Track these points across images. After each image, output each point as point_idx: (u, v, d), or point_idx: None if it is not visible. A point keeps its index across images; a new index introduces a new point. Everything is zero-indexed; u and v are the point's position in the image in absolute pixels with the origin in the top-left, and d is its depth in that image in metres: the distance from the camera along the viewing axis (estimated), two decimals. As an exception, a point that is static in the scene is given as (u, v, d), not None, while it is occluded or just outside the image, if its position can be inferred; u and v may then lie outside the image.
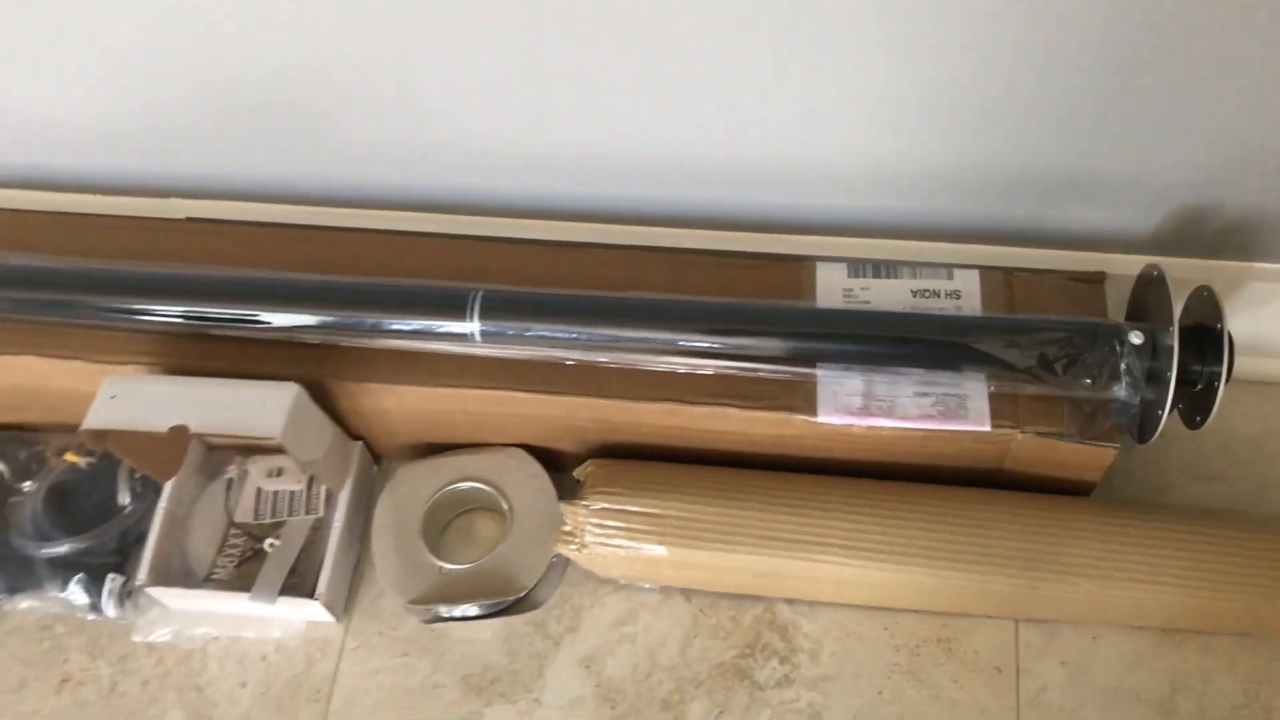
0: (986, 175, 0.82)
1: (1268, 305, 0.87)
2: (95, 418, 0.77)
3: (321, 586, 0.84)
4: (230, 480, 0.91)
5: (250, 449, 0.92)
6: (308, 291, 0.83)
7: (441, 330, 0.82)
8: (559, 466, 0.90)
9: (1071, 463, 0.81)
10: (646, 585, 0.88)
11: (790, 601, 0.88)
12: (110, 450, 0.79)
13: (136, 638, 0.87)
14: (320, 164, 0.88)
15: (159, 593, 0.85)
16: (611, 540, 0.83)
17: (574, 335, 0.81)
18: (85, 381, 0.86)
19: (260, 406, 0.77)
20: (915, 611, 0.87)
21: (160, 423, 0.77)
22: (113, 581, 0.87)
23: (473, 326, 0.80)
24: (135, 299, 0.83)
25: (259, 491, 0.91)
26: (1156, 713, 0.82)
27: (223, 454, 0.92)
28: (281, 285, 0.83)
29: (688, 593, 0.88)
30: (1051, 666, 0.84)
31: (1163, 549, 0.80)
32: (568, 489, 0.87)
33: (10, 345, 0.85)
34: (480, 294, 0.81)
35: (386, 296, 0.83)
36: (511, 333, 0.81)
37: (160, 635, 0.87)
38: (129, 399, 0.78)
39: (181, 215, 0.92)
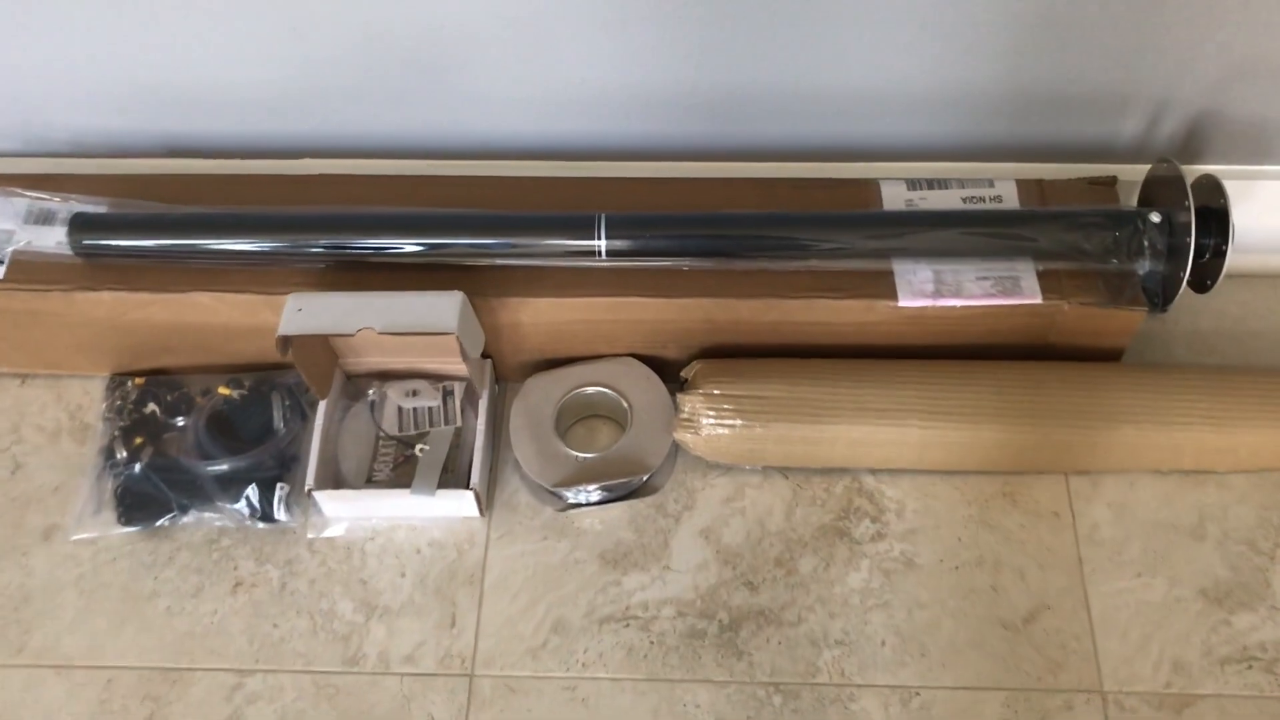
0: (1020, 95, 0.98)
1: (1244, 203, 1.05)
2: (287, 325, 0.89)
3: (475, 478, 0.96)
4: (372, 402, 1.02)
5: (386, 374, 1.03)
6: (456, 220, 0.96)
7: (572, 247, 0.95)
8: (663, 375, 1.03)
9: (1106, 330, 0.97)
10: (748, 467, 1.02)
11: (874, 472, 1.02)
12: (291, 359, 0.90)
13: (310, 534, 0.98)
14: (448, 117, 1.01)
15: (326, 495, 0.96)
16: (725, 421, 0.96)
17: (686, 243, 0.95)
18: (249, 314, 0.97)
19: (432, 309, 0.89)
20: (981, 473, 1.01)
21: (346, 327, 0.89)
22: (282, 489, 0.98)
23: (599, 243, 0.94)
24: (295, 235, 0.95)
25: (399, 409, 1.02)
26: (1190, 537, 0.98)
27: (363, 380, 1.03)
28: (429, 216, 0.96)
29: (785, 471, 1.02)
30: (1099, 509, 0.99)
31: (1189, 394, 0.96)
32: (675, 391, 1.01)
33: (178, 284, 0.96)
34: (604, 216, 0.95)
35: (524, 221, 0.96)
36: (632, 245, 0.95)
37: (332, 531, 0.97)
38: (313, 310, 0.89)
39: (315, 173, 1.04)
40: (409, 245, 0.95)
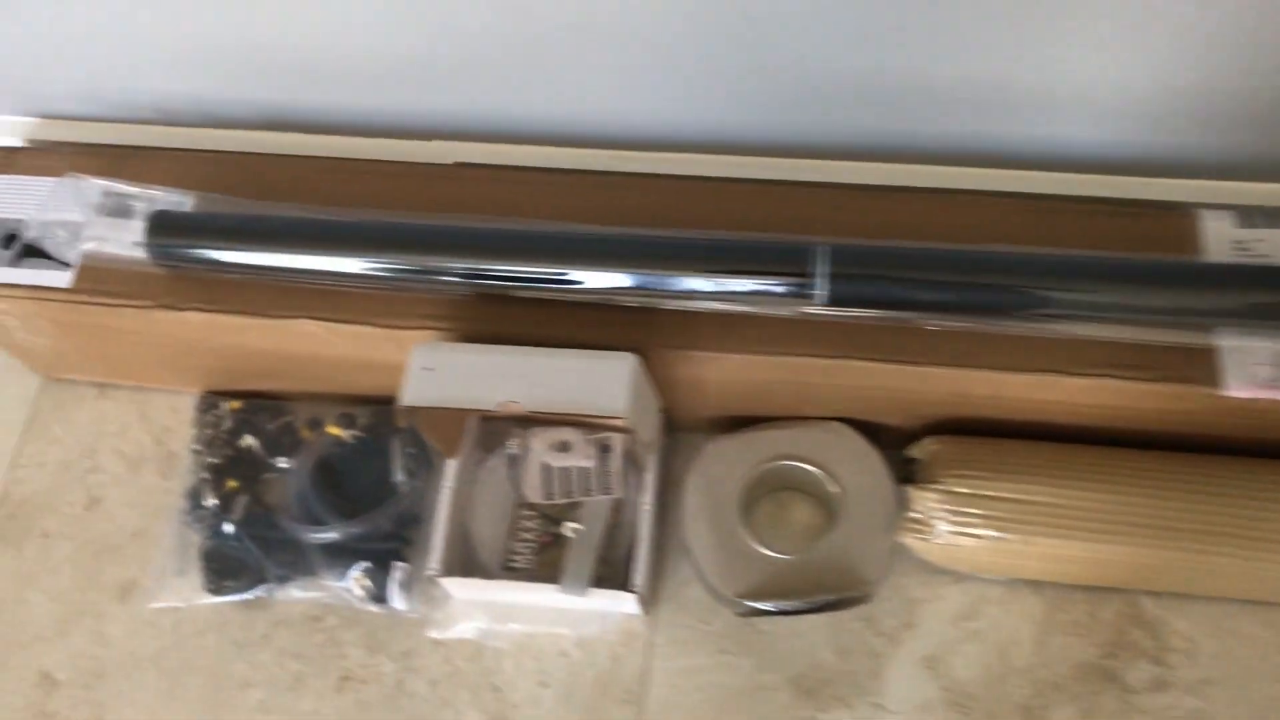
0: None
1: None
2: (415, 392, 0.68)
3: (638, 578, 0.75)
4: (513, 456, 0.81)
5: (530, 418, 0.82)
6: (627, 246, 0.73)
7: (780, 290, 0.71)
8: (873, 441, 0.80)
9: None
10: (988, 576, 0.78)
11: (1154, 595, 0.77)
12: (418, 427, 0.70)
13: (433, 633, 0.78)
14: (625, 95, 0.77)
15: (454, 584, 0.77)
16: (969, 530, 0.73)
17: (937, 296, 0.70)
18: (368, 348, 0.77)
19: (595, 380, 0.68)
20: (1297, 605, 0.76)
21: (486, 399, 0.67)
22: (400, 571, 0.78)
23: (819, 286, 0.70)
24: (426, 256, 0.73)
25: (546, 468, 0.81)
26: None
27: (500, 425, 0.82)
28: (597, 239, 0.74)
29: (1036, 585, 0.78)
30: None
31: None
32: (892, 468, 0.78)
33: (280, 307, 0.76)
34: (828, 249, 0.70)
35: (716, 252, 0.73)
36: (864, 293, 0.71)
37: (461, 631, 0.78)
38: (446, 372, 0.68)
39: (449, 160, 0.82)
40: (574, 275, 0.72)
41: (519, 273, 0.73)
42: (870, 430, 0.80)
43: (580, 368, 0.68)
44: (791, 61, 0.71)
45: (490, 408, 0.67)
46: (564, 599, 0.76)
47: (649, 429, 0.72)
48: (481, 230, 0.74)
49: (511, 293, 0.74)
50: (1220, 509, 0.71)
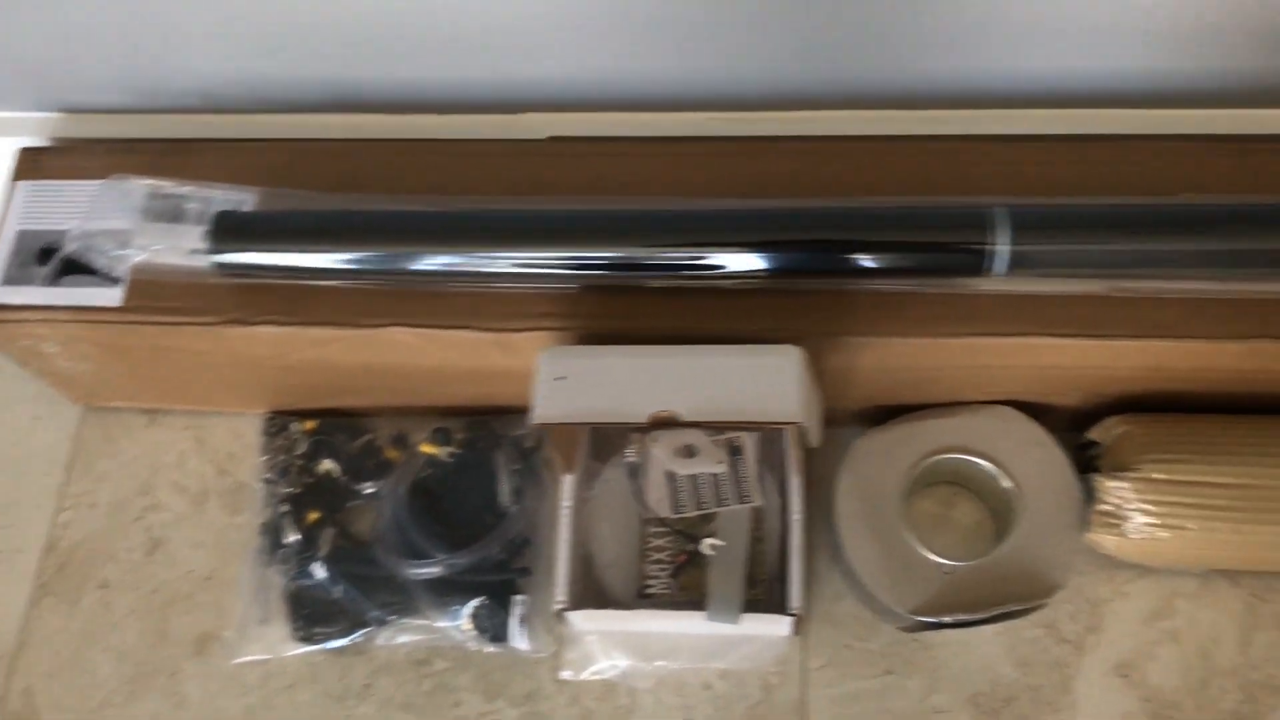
0: None
1: None
2: (548, 406, 0.58)
3: (795, 598, 0.66)
4: (632, 465, 0.72)
5: (721, 426, 0.72)
6: (771, 222, 0.64)
7: (951, 263, 0.62)
8: (1044, 421, 0.71)
9: None
10: (1178, 569, 0.70)
11: (1368, 577, 0.69)
12: (547, 443, 0.60)
13: (566, 674, 0.69)
14: (730, 48, 0.67)
15: (585, 617, 0.67)
16: (1173, 521, 0.64)
17: (1137, 257, 0.61)
18: (471, 356, 0.68)
19: (759, 378, 0.58)
20: None
21: (634, 410, 0.58)
22: (521, 606, 0.69)
23: (1001, 255, 0.60)
24: (530, 245, 0.64)
25: (672, 477, 0.72)
26: None
27: (616, 432, 0.73)
28: (737, 216, 0.64)
29: (1232, 575, 0.70)
30: None
31: None
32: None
33: (366, 314, 0.66)
34: (1007, 212, 0.61)
35: (876, 223, 0.63)
36: (1052, 259, 0.61)
37: (598, 671, 0.68)
38: (581, 380, 0.59)
39: (542, 134, 0.72)
40: (713, 258, 0.63)
41: (652, 259, 0.63)
42: (1037, 412, 0.71)
43: (739, 366, 0.59)
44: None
45: (642, 420, 0.57)
46: (712, 626, 0.66)
47: (816, 429, 0.63)
48: (604, 213, 0.65)
49: (640, 283, 0.64)
50: None
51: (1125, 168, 0.66)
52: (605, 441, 0.73)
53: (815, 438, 0.63)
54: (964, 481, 0.71)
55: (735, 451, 0.72)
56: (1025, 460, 0.69)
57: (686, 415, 0.58)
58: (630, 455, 0.72)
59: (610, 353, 0.61)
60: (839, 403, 0.72)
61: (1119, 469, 0.66)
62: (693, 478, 0.72)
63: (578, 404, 0.59)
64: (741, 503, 0.71)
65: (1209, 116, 0.67)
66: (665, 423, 0.59)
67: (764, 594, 0.68)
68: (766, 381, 0.58)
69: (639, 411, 0.58)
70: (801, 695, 0.69)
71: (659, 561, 0.70)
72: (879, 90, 0.71)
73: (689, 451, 0.72)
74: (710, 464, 0.71)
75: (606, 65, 0.71)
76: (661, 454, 0.72)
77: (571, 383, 0.59)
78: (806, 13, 0.65)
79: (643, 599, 0.69)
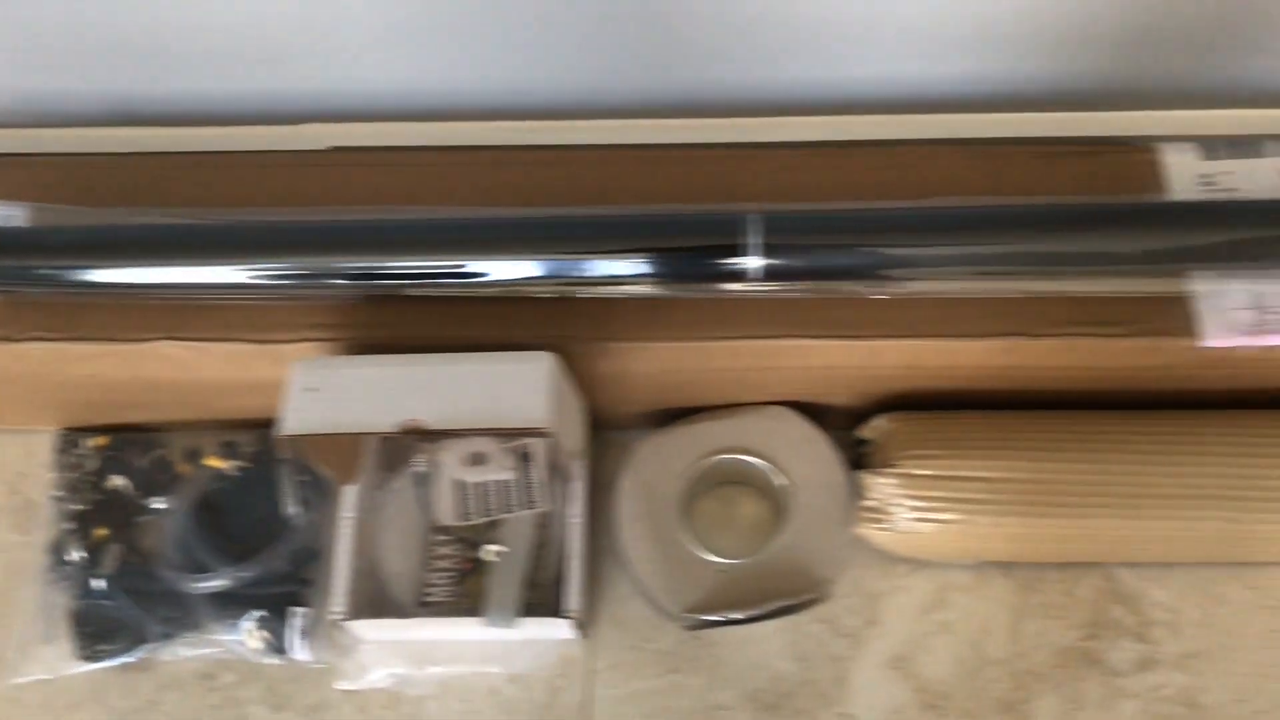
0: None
1: None
2: (296, 420, 0.58)
3: (571, 600, 0.67)
4: (420, 474, 0.72)
5: (438, 433, 0.73)
6: (532, 229, 0.64)
7: (710, 268, 0.63)
8: (819, 424, 0.73)
9: None
10: (954, 562, 0.71)
11: (1132, 565, 0.71)
12: (305, 456, 0.60)
13: (343, 685, 0.69)
14: (514, 59, 0.68)
15: (365, 626, 0.67)
16: (933, 515, 0.66)
17: (886, 260, 0.63)
18: (240, 369, 0.67)
19: (509, 385, 0.59)
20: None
21: (383, 419, 0.58)
22: (300, 617, 0.69)
23: (753, 260, 0.62)
24: (307, 256, 0.64)
25: (459, 485, 0.72)
26: None
27: (404, 442, 0.73)
28: (497, 224, 0.65)
29: (1006, 566, 0.72)
30: None
31: None
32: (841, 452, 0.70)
33: (133, 329, 0.66)
34: (760, 217, 0.62)
35: (633, 229, 0.64)
36: (804, 264, 0.63)
37: (374, 681, 0.68)
38: (332, 391, 0.59)
39: (323, 145, 0.72)
40: (473, 266, 0.63)
41: (410, 268, 0.64)
42: (817, 412, 0.73)
43: (490, 373, 0.59)
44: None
45: (390, 429, 0.58)
46: (490, 632, 0.67)
47: (573, 434, 0.64)
48: (363, 223, 0.65)
49: (404, 292, 0.65)
50: (1201, 470, 0.66)
51: (887, 172, 0.68)
52: (396, 453, 0.73)
53: (572, 443, 0.63)
54: (743, 480, 0.72)
55: (526, 458, 0.73)
56: (799, 458, 0.70)
57: (434, 423, 0.58)
58: (419, 465, 0.73)
59: (363, 362, 0.61)
60: (622, 407, 0.73)
61: (884, 465, 0.67)
62: (481, 485, 0.72)
63: (326, 415, 0.59)
64: (529, 509, 0.71)
65: (959, 120, 0.69)
66: (413, 432, 0.59)
67: (544, 598, 0.69)
68: (517, 388, 0.59)
69: (387, 421, 0.58)
70: (586, 697, 0.70)
71: (443, 570, 0.71)
72: (662, 99, 0.72)
73: (479, 459, 0.72)
74: (499, 471, 0.72)
75: (390, 75, 0.72)
76: (450, 462, 0.72)
77: (322, 394, 0.59)
78: (585, 24, 0.66)
79: (423, 606, 0.69)
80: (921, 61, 0.68)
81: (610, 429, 0.76)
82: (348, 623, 0.67)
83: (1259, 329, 0.63)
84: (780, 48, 0.68)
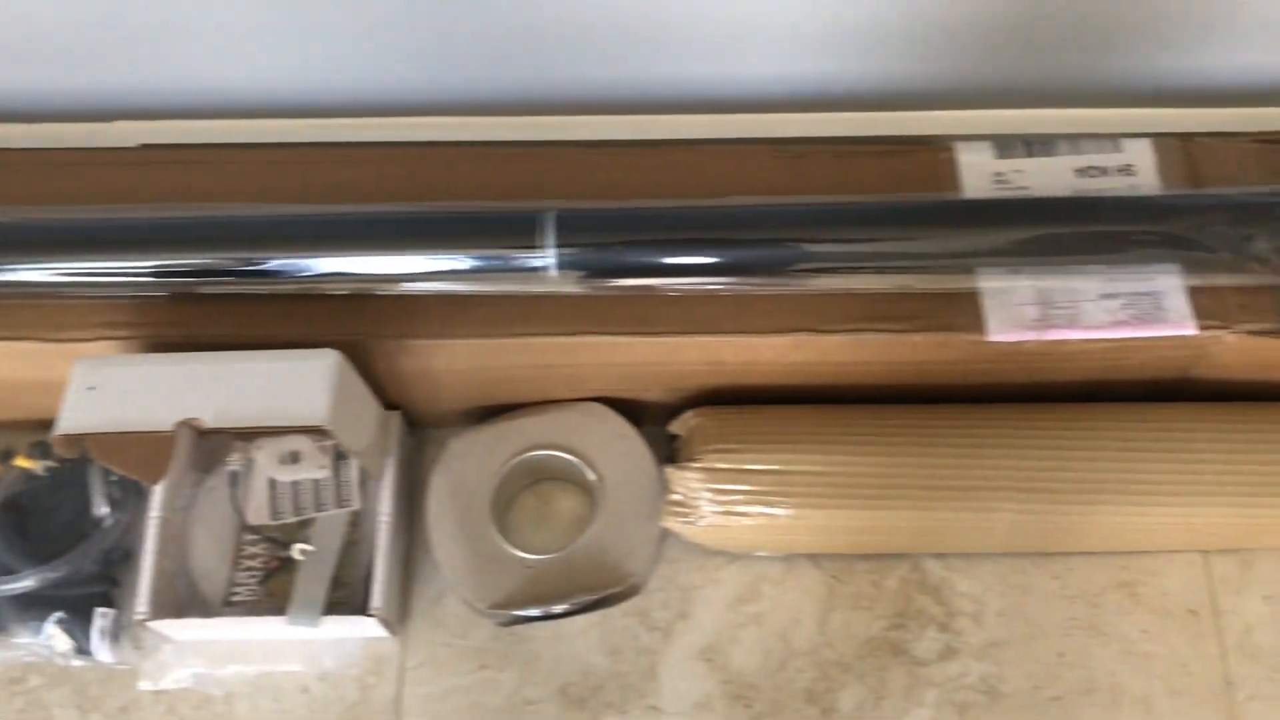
0: (1149, 12, 0.66)
1: None
2: (72, 418, 0.58)
3: (376, 599, 0.67)
4: (234, 473, 0.72)
5: (255, 432, 0.72)
6: (328, 226, 0.65)
7: (506, 265, 0.64)
8: (638, 420, 0.74)
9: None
10: (765, 554, 0.72)
11: (940, 556, 0.73)
12: (92, 455, 0.60)
13: (144, 685, 0.69)
14: (326, 56, 0.68)
15: (166, 626, 0.67)
16: (736, 509, 0.67)
17: (677, 259, 0.63)
18: (36, 368, 0.66)
19: (291, 384, 0.59)
20: (1086, 553, 0.72)
21: (161, 418, 0.58)
22: (103, 618, 0.68)
23: (548, 257, 0.62)
24: (98, 253, 0.64)
25: (273, 484, 0.72)
26: (1382, 644, 0.70)
27: (219, 440, 0.72)
28: (292, 222, 0.64)
29: (815, 557, 0.73)
30: (1254, 602, 0.72)
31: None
32: (657, 447, 0.71)
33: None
34: (554, 215, 0.63)
35: (432, 226, 0.65)
36: (598, 262, 0.63)
37: (176, 680, 0.68)
38: (112, 389, 0.59)
39: (134, 143, 0.71)
40: (271, 264, 0.63)
41: (205, 265, 0.64)
42: (635, 408, 0.73)
43: (274, 370, 0.59)
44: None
45: (167, 427, 0.57)
46: (294, 631, 0.67)
47: (362, 432, 0.64)
48: (156, 220, 0.65)
49: (202, 290, 0.65)
50: (995, 462, 0.67)
51: (691, 171, 0.69)
52: (212, 451, 0.73)
53: (357, 441, 0.63)
54: (560, 476, 0.73)
55: (342, 457, 0.73)
56: (610, 454, 0.71)
57: (213, 421, 0.58)
58: (234, 463, 0.72)
59: (146, 360, 0.61)
60: (438, 404, 0.73)
61: (689, 460, 0.68)
62: (295, 484, 0.72)
63: (103, 414, 0.58)
64: (340, 507, 0.71)
65: (760, 120, 0.70)
66: (194, 429, 0.59)
67: (350, 596, 0.69)
68: (299, 386, 0.59)
69: (166, 419, 0.58)
70: (397, 694, 0.70)
71: (251, 569, 0.70)
72: (471, 97, 0.72)
73: (294, 458, 0.72)
74: (313, 469, 0.72)
75: (201, 72, 0.71)
76: (265, 461, 0.72)
77: (101, 392, 0.59)
78: (390, 22, 0.66)
79: (229, 606, 0.69)
80: (725, 62, 0.68)
81: (431, 427, 0.76)
82: (151, 623, 0.66)
83: (1044, 324, 0.65)
84: (586, 49, 0.68)
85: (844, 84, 0.70)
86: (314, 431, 0.59)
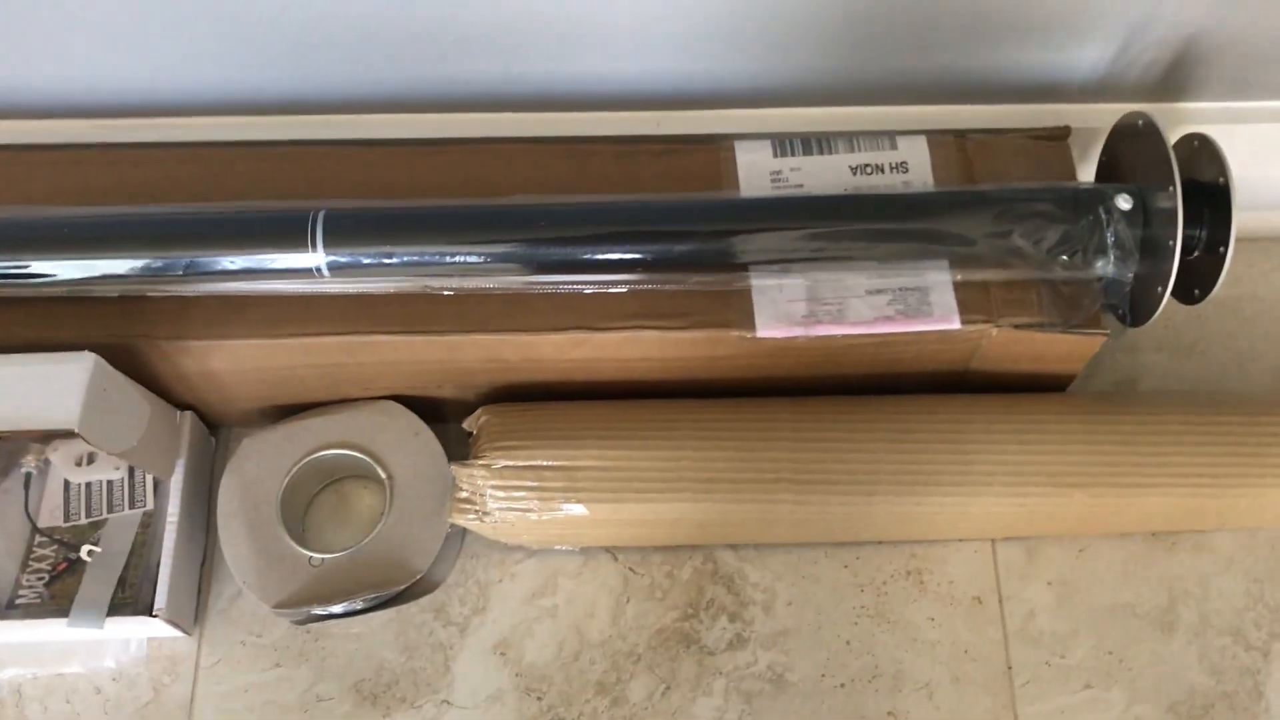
0: (927, 12, 0.67)
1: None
2: None
3: (160, 600, 0.67)
4: (28, 475, 0.72)
5: (49, 434, 0.72)
6: (96, 228, 0.65)
7: (278, 265, 0.64)
8: (440, 416, 0.74)
9: (1050, 355, 0.69)
10: (563, 548, 0.73)
11: (734, 547, 0.74)
12: None
13: (-76, 691, 0.68)
14: (94, 53, 0.68)
15: (-54, 630, 0.67)
16: (519, 504, 0.68)
17: (446, 258, 0.64)
18: None
19: (44, 387, 0.59)
20: (878, 542, 0.74)
21: (-95, 424, 0.57)
22: (-122, 621, 0.68)
23: (317, 257, 0.63)
24: None
25: (66, 485, 0.72)
26: (1155, 628, 0.72)
27: (15, 442, 0.72)
28: (59, 223, 0.64)
29: (613, 550, 0.74)
30: (1037, 589, 0.73)
31: (1161, 447, 0.69)
32: (456, 444, 0.71)
33: None
34: (322, 214, 0.63)
35: (203, 227, 0.65)
36: (368, 260, 0.64)
37: (-44, 684, 0.68)
38: None
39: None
40: (37, 266, 0.63)
41: (-25, 269, 0.63)
42: (434, 405, 0.74)
43: (28, 374, 0.59)
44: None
45: (-90, 432, 0.58)
46: (76, 632, 0.67)
47: (127, 434, 0.64)
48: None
49: (-26, 292, 0.64)
50: (772, 454, 0.68)
51: (475, 169, 0.69)
52: (10, 454, 0.73)
53: (119, 443, 0.63)
54: (357, 474, 0.73)
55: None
56: (402, 451, 0.71)
57: (-39, 426, 0.58)
58: (27, 465, 0.72)
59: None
60: (232, 405, 0.73)
61: (474, 457, 0.69)
62: (88, 485, 0.72)
63: None
64: (133, 508, 0.72)
65: (546, 119, 0.71)
66: (-57, 434, 0.58)
67: (140, 596, 0.69)
68: (52, 389, 0.59)
69: (-91, 425, 0.58)
70: (190, 693, 0.70)
71: (39, 571, 0.70)
72: (258, 96, 0.72)
73: (89, 459, 0.72)
74: (108, 470, 0.72)
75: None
76: (60, 462, 0.72)
77: None
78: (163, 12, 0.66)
79: (12, 609, 0.69)
80: (507, 59, 0.69)
81: (237, 426, 0.76)
82: (-73, 627, 0.66)
83: (811, 320, 0.66)
84: (371, 47, 0.68)
85: (624, 83, 0.71)
86: (62, 435, 0.59)
